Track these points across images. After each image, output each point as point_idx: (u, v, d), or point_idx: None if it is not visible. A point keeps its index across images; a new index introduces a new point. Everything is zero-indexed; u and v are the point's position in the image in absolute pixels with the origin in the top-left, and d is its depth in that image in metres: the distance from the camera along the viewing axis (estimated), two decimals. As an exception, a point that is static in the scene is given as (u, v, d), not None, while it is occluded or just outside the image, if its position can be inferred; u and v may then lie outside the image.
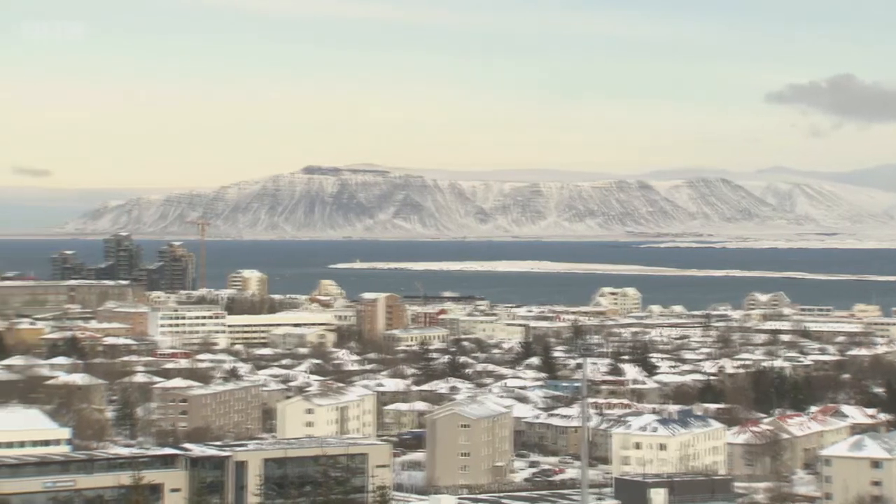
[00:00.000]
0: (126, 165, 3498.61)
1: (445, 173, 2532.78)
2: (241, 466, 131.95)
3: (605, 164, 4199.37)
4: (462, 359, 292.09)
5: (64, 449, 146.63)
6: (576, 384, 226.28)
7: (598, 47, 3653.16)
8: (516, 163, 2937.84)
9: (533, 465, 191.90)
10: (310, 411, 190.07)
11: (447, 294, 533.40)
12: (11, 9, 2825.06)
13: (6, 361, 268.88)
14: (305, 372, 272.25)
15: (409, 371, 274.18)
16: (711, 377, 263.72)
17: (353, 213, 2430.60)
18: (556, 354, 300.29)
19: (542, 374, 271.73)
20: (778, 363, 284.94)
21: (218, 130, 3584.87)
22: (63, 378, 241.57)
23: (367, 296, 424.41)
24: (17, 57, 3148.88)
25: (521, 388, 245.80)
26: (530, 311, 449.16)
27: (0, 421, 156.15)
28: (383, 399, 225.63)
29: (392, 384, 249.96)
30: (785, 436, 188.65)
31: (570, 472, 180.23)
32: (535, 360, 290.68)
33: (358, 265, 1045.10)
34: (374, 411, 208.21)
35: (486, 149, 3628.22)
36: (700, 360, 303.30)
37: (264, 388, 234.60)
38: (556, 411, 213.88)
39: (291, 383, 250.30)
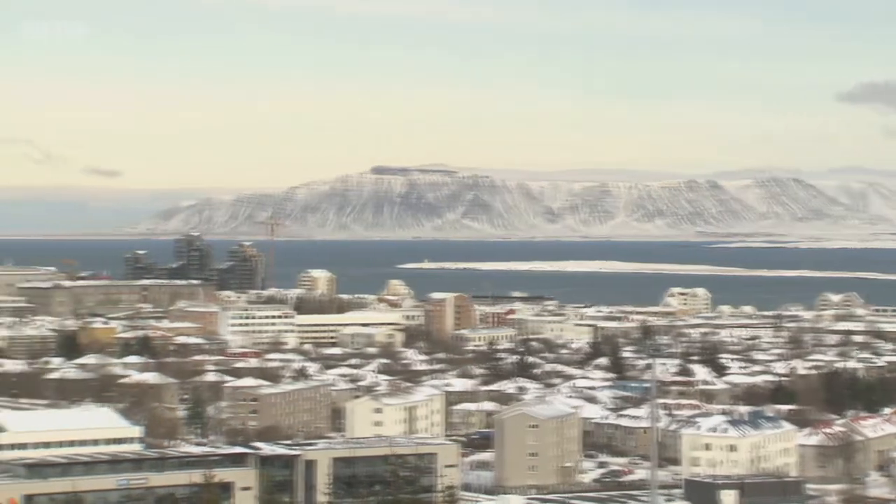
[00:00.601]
0: (197, 166, 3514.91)
1: (514, 173, 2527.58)
2: (310, 465, 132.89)
3: (674, 164, 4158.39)
4: (530, 359, 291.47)
5: (136, 447, 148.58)
6: (645, 385, 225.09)
7: (665, 46, 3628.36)
8: (585, 163, 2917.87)
9: (602, 465, 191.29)
10: (378, 411, 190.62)
11: (516, 294, 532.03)
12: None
13: (80, 360, 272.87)
14: (374, 371, 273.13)
15: (478, 371, 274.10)
16: (783, 378, 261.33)
17: (421, 213, 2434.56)
18: (624, 355, 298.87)
19: (611, 375, 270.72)
20: (850, 364, 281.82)
21: (287, 131, 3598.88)
22: (135, 377, 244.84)
23: (436, 296, 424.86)
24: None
25: (589, 388, 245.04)
26: (599, 312, 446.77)
27: (74, 419, 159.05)
28: (451, 399, 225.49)
29: (460, 384, 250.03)
30: (858, 437, 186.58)
31: (640, 473, 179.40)
32: (603, 361, 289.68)
33: (426, 265, 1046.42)
34: (442, 411, 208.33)
35: (555, 149, 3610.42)
36: (771, 361, 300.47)
37: (333, 388, 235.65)
38: (624, 412, 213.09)
39: (360, 383, 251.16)
